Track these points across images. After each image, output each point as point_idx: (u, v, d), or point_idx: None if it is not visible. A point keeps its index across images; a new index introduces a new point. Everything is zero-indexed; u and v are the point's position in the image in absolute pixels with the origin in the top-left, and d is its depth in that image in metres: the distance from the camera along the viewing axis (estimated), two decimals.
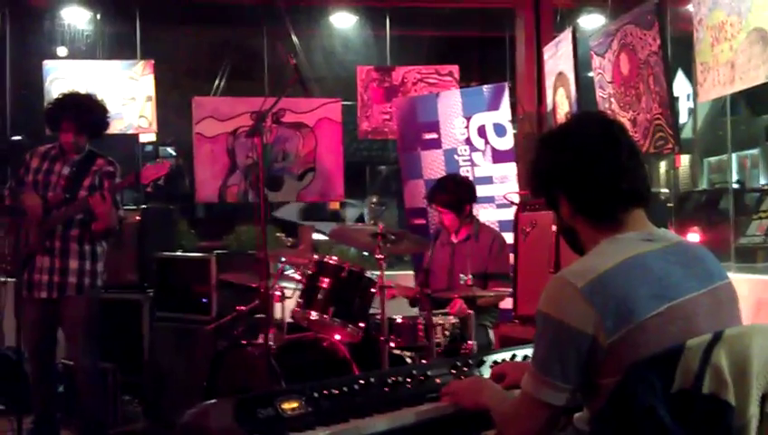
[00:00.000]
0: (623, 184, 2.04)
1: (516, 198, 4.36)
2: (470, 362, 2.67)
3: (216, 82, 9.45)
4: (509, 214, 5.52)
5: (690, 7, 5.14)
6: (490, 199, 6.22)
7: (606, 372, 1.92)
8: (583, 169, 2.05)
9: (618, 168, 2.04)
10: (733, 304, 2.07)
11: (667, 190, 10.96)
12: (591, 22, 8.17)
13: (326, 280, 4.30)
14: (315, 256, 4.52)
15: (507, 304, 4.81)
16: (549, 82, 6.70)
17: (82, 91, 5.00)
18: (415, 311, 5.06)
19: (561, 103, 6.38)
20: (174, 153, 11.03)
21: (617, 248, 2.00)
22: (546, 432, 2.05)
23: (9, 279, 4.66)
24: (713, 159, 11.87)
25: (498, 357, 2.72)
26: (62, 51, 8.45)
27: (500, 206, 6.13)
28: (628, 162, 2.05)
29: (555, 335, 1.95)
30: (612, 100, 5.74)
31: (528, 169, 2.23)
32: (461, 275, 4.41)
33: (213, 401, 2.21)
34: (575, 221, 2.12)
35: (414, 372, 2.50)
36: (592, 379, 1.96)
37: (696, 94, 5.06)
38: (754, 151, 11.89)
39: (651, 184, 2.18)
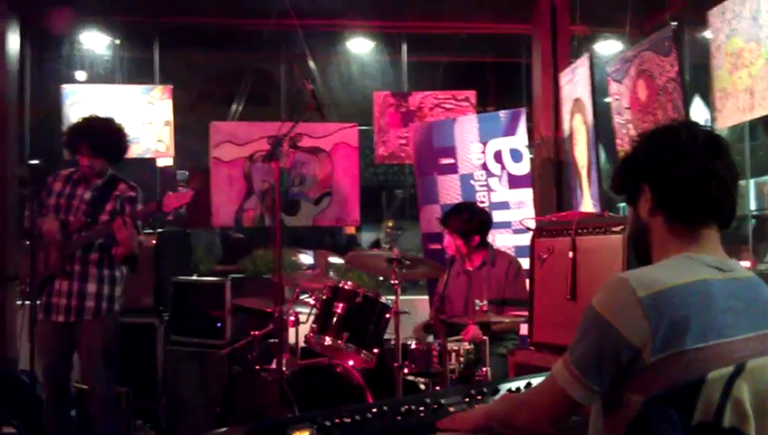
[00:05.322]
0: (712, 191, 1.98)
1: (532, 224, 4.32)
2: (484, 390, 2.63)
3: (234, 106, 9.48)
4: (525, 239, 5.48)
5: (708, 34, 5.12)
6: (506, 225, 6.19)
7: (637, 388, 1.87)
8: (676, 163, 1.99)
9: (712, 174, 1.98)
10: None
11: None
12: (608, 48, 8.15)
13: (340, 305, 4.30)
14: (330, 281, 4.51)
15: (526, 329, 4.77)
16: (566, 108, 6.68)
17: (101, 116, 5.01)
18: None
19: (578, 129, 6.35)
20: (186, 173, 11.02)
21: (687, 267, 1.95)
22: (558, 425, 2.01)
23: (26, 302, 4.66)
24: None
25: (513, 385, 2.68)
26: (80, 75, 8.51)
27: (516, 231, 6.10)
28: (725, 173, 2.00)
29: (601, 337, 1.90)
30: (630, 126, 5.71)
31: (619, 162, 2.19)
32: (476, 301, 4.38)
33: (223, 430, 2.19)
34: (652, 218, 2.06)
35: (427, 400, 2.46)
36: (621, 390, 1.91)
37: (713, 120, 5.02)
38: None
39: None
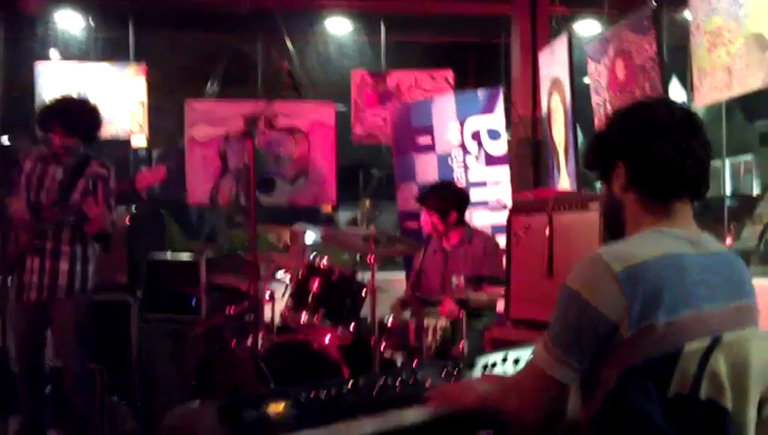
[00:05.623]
0: (688, 168, 1.98)
1: (509, 202, 4.32)
2: (461, 364, 2.62)
3: (210, 87, 9.41)
4: (502, 218, 5.48)
5: (687, 13, 5.11)
6: (483, 203, 6.18)
7: (614, 363, 1.87)
8: (653, 141, 1.98)
9: (687, 151, 1.97)
10: (752, 324, 2.02)
11: None
12: (587, 28, 8.14)
13: (316, 282, 4.27)
14: (305, 259, 4.49)
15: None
16: (544, 88, 6.67)
17: (75, 95, 4.97)
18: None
19: (556, 109, 6.35)
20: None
21: (660, 241, 1.95)
22: (546, 408, 2.01)
23: None
24: None
25: (489, 359, 2.66)
26: (54, 55, 8.39)
27: (493, 209, 6.09)
28: (700, 151, 1.99)
29: (578, 315, 1.90)
30: (608, 105, 5.70)
31: (592, 136, 2.17)
32: (453, 278, 4.38)
33: (197, 402, 2.16)
34: (626, 195, 2.05)
35: (403, 374, 2.44)
36: (599, 367, 1.91)
37: (691, 100, 5.03)
38: (747, 157, 11.89)
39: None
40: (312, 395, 2.19)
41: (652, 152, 1.98)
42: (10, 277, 4.60)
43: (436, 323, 4.31)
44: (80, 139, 4.72)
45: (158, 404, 5.24)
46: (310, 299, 4.25)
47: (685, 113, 2.05)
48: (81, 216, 4.55)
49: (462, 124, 6.33)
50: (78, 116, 4.72)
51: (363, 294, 4.36)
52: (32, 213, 4.57)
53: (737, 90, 4.55)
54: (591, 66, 5.95)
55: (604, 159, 2.10)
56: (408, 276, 6.29)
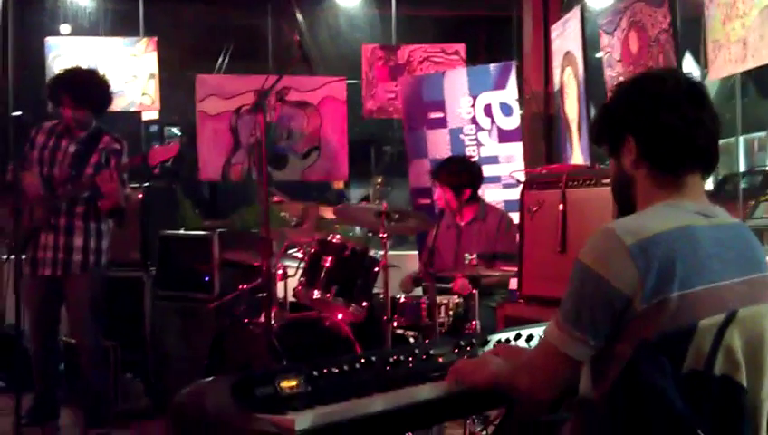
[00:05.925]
0: (699, 140, 1.96)
1: (522, 177, 4.29)
2: (473, 341, 2.62)
3: (220, 61, 9.37)
4: (515, 194, 5.45)
5: None
6: (496, 179, 6.15)
7: (626, 338, 1.85)
8: (662, 112, 1.95)
9: (698, 122, 1.95)
10: (766, 299, 1.98)
11: None
12: (599, 1, 8.05)
13: (329, 259, 4.27)
14: (318, 235, 4.49)
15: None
16: (556, 62, 6.62)
17: (84, 67, 4.95)
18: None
19: (569, 83, 6.31)
20: (179, 133, 10.98)
21: (671, 214, 1.92)
22: (559, 387, 1.99)
23: (11, 256, 4.62)
24: (721, 141, 11.78)
25: (502, 336, 2.66)
26: (64, 28, 8.37)
27: (506, 185, 6.06)
28: (709, 122, 1.97)
29: (591, 290, 1.87)
30: (621, 78, 5.66)
31: (599, 110, 2.14)
32: (466, 255, 4.37)
33: (210, 378, 2.16)
34: (637, 169, 2.02)
35: (416, 351, 2.44)
36: (611, 342, 1.89)
37: (705, 74, 4.98)
38: (761, 134, 11.79)
39: None
40: (324, 371, 2.19)
41: (661, 124, 1.95)
42: (24, 254, 4.61)
43: (449, 301, 4.31)
44: (90, 111, 4.71)
45: (170, 381, 5.26)
46: (322, 276, 4.25)
47: (692, 84, 2.02)
48: (95, 190, 4.55)
49: (474, 99, 6.30)
50: (87, 87, 4.70)
51: (376, 271, 4.35)
52: (46, 188, 4.58)
53: (752, 62, 4.50)
54: (604, 39, 5.90)
55: (613, 134, 2.07)
56: (420, 253, 6.28)
